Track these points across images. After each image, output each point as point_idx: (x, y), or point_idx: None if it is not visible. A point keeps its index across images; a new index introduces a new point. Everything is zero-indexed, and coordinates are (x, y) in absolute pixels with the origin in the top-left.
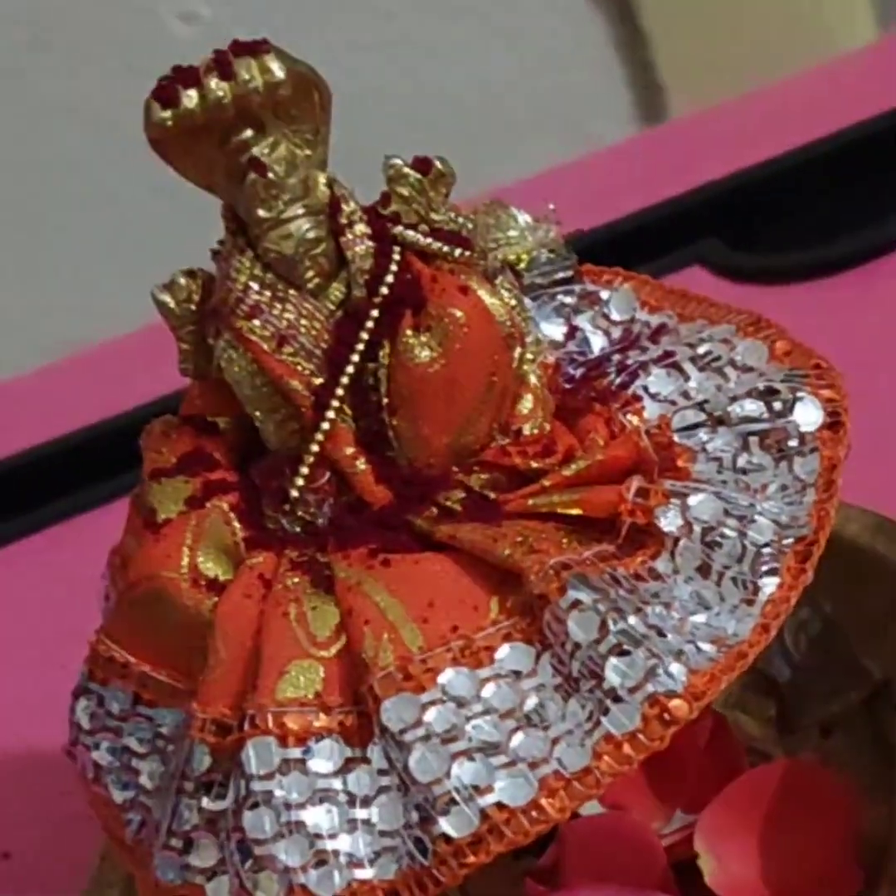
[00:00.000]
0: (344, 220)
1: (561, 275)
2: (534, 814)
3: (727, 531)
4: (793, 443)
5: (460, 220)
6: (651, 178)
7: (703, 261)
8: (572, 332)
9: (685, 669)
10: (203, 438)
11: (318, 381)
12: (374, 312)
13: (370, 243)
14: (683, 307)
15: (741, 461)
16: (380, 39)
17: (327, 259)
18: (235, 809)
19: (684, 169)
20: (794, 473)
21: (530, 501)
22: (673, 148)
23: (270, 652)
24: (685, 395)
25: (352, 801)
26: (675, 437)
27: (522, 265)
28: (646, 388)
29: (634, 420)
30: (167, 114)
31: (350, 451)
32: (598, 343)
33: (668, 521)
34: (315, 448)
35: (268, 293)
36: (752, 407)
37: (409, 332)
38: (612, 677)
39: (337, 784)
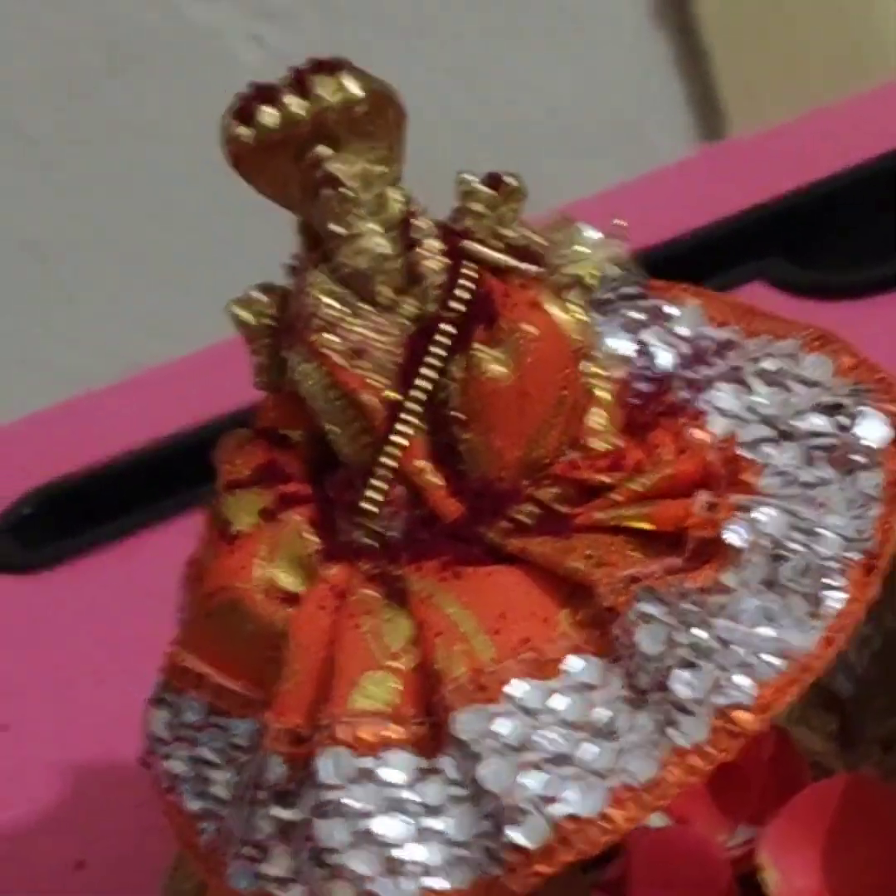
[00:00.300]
0: (417, 236)
1: (629, 291)
2: (603, 824)
3: (793, 545)
4: (858, 457)
5: (531, 235)
6: (714, 196)
7: (765, 277)
8: (640, 347)
9: (752, 682)
10: (277, 451)
11: (391, 394)
12: (447, 327)
13: (443, 259)
14: (749, 322)
15: (807, 475)
16: (448, 61)
17: (400, 274)
18: (308, 819)
19: (747, 186)
20: (859, 487)
21: (599, 515)
22: (736, 166)
23: (344, 663)
24: (751, 409)
25: (423, 810)
26: (742, 452)
27: (592, 281)
28: (713, 403)
29: (701, 434)
30: (246, 130)
31: (422, 464)
32: (665, 358)
33: (735, 535)
34: (388, 461)
35: (342, 308)
36: (817, 421)
37: (481, 347)
38: (679, 689)
39: (409, 794)
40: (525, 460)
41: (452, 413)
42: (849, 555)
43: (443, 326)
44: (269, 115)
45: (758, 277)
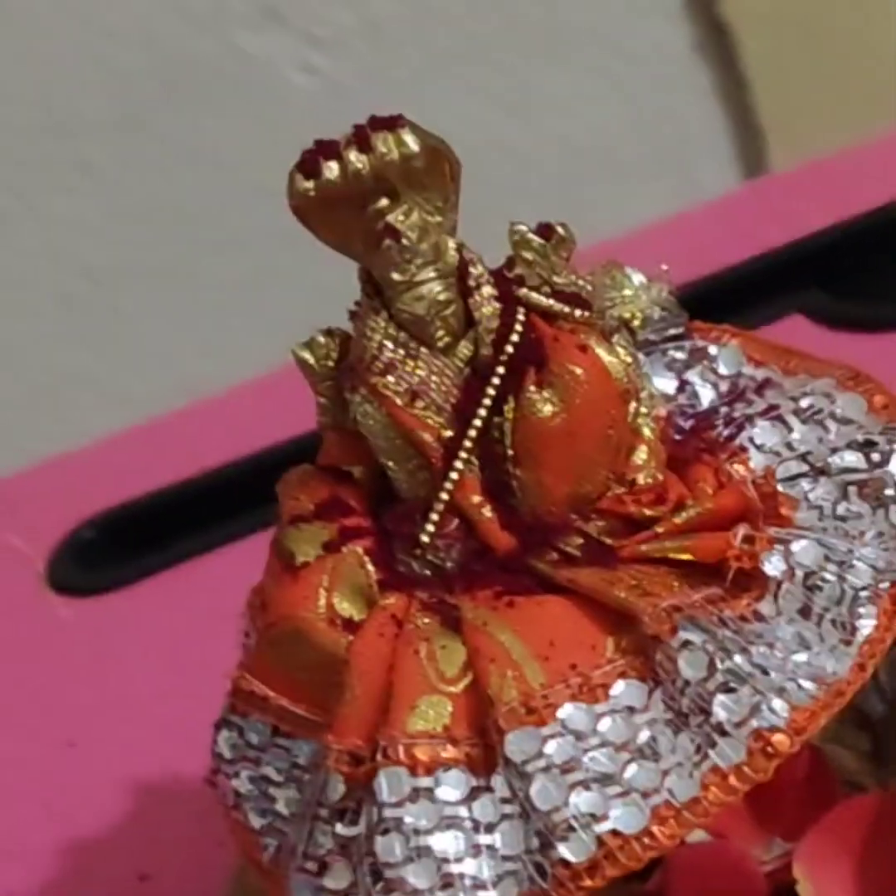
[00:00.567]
0: (472, 283)
1: (673, 331)
2: (646, 840)
3: (827, 575)
4: (889, 491)
5: (580, 282)
6: (755, 230)
7: (803, 310)
8: (683, 385)
9: (787, 706)
10: (339, 486)
11: (448, 433)
12: (500, 369)
13: (496, 304)
14: (787, 362)
15: (841, 509)
16: (493, 89)
17: (456, 319)
18: (367, 835)
19: (787, 220)
20: (890, 521)
21: (644, 547)
22: (777, 199)
23: (401, 687)
24: (789, 446)
25: (476, 827)
26: (779, 487)
27: (637, 323)
28: (752, 440)
29: (741, 470)
30: (310, 184)
31: (477, 499)
32: (707, 396)
33: (773, 566)
34: (444, 496)
35: (401, 351)
36: (851, 458)
37: (532, 388)
38: (719, 713)
39: (463, 811)
40: (573, 495)
41: (505, 451)
42: (880, 585)
43: (496, 369)
44: (331, 170)
45: (796, 310)
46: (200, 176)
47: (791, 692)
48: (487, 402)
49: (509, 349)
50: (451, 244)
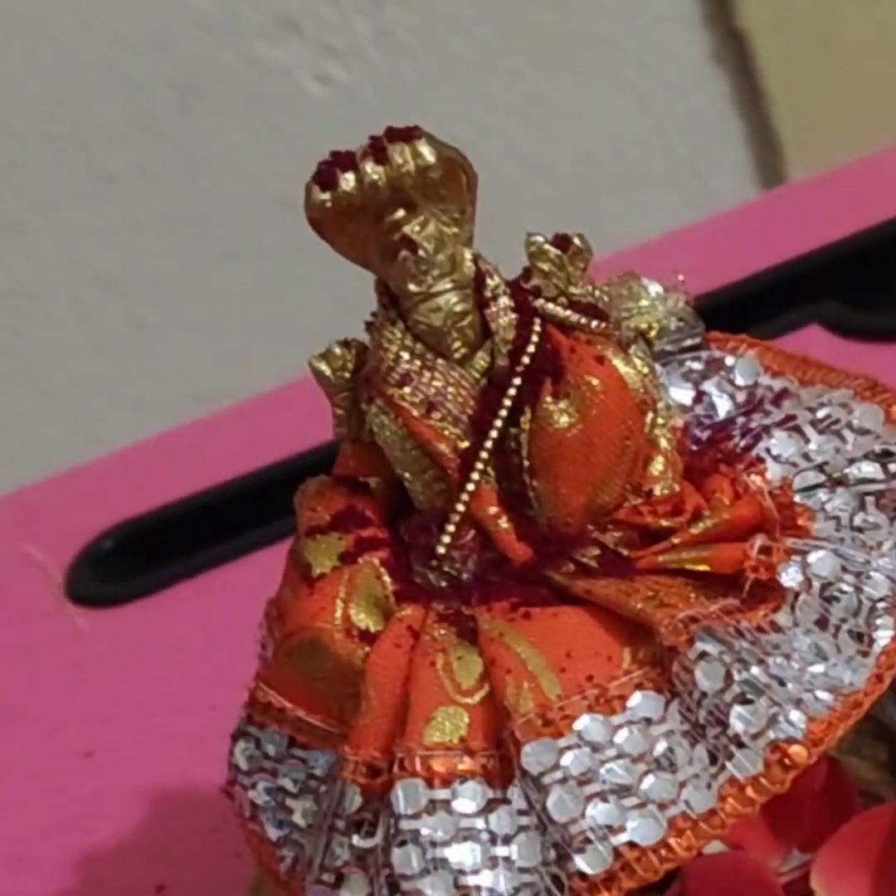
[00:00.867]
0: (488, 294)
1: (689, 342)
2: (663, 852)
3: (844, 586)
4: None
5: (596, 293)
6: (772, 240)
7: (820, 320)
8: (700, 396)
9: (804, 717)
10: (355, 497)
11: (464, 444)
12: (517, 381)
13: (513, 316)
14: (804, 372)
15: (858, 520)
16: (510, 99)
17: (473, 330)
18: (384, 846)
19: (804, 231)
20: None
21: (660, 558)
22: (794, 209)
23: (418, 699)
24: (806, 456)
25: (493, 839)
26: (796, 498)
27: (653, 334)
28: (768, 451)
29: (758, 481)
30: (326, 195)
31: (493, 510)
32: (723, 407)
33: (790, 577)
34: (461, 508)
35: (417, 362)
36: (868, 468)
37: (548, 399)
38: (736, 724)
39: (480, 823)
40: (590, 506)
41: (521, 462)
42: None
43: (513, 380)
44: (348, 182)
45: (813, 320)
46: (217, 186)
47: (808, 703)
48: (504, 413)
49: (526, 360)
50: (468, 255)
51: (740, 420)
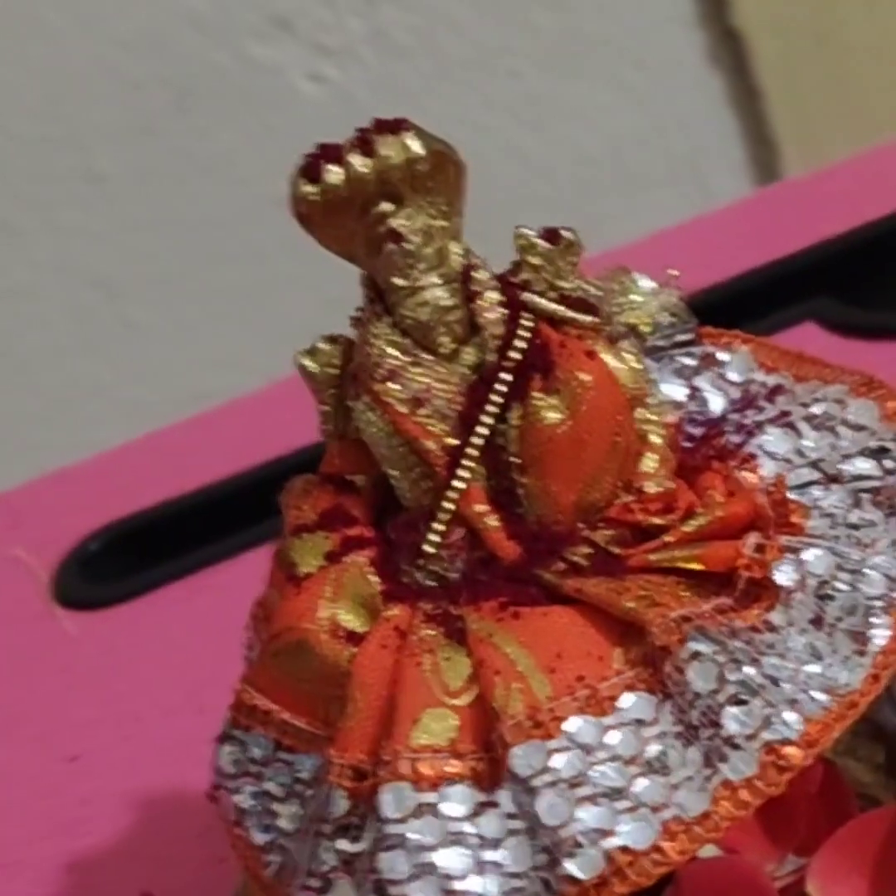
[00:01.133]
0: (477, 288)
1: (682, 337)
2: (655, 856)
3: (840, 585)
4: None
5: (587, 287)
6: (767, 237)
7: (816, 317)
8: (692, 392)
9: (800, 718)
10: (342, 496)
11: (452, 441)
12: (505, 376)
13: (502, 310)
14: (798, 368)
15: (853, 517)
16: (506, 98)
17: (461, 325)
18: (371, 851)
19: (800, 227)
20: None
21: (652, 556)
22: (789, 207)
23: (405, 700)
24: (800, 453)
25: (482, 843)
26: (791, 495)
27: (645, 329)
28: (762, 447)
29: (751, 478)
30: (312, 188)
31: (482, 508)
32: (717, 403)
33: (784, 575)
34: (449, 505)
35: (404, 358)
36: (863, 465)
37: (538, 395)
38: (730, 725)
39: (468, 827)
40: (580, 504)
41: (510, 459)
42: (894, 594)
43: (501, 375)
44: (334, 174)
45: (809, 318)
46: (211, 186)
47: (803, 704)
48: (492, 409)
49: (515, 355)
50: (456, 249)
51: (734, 416)
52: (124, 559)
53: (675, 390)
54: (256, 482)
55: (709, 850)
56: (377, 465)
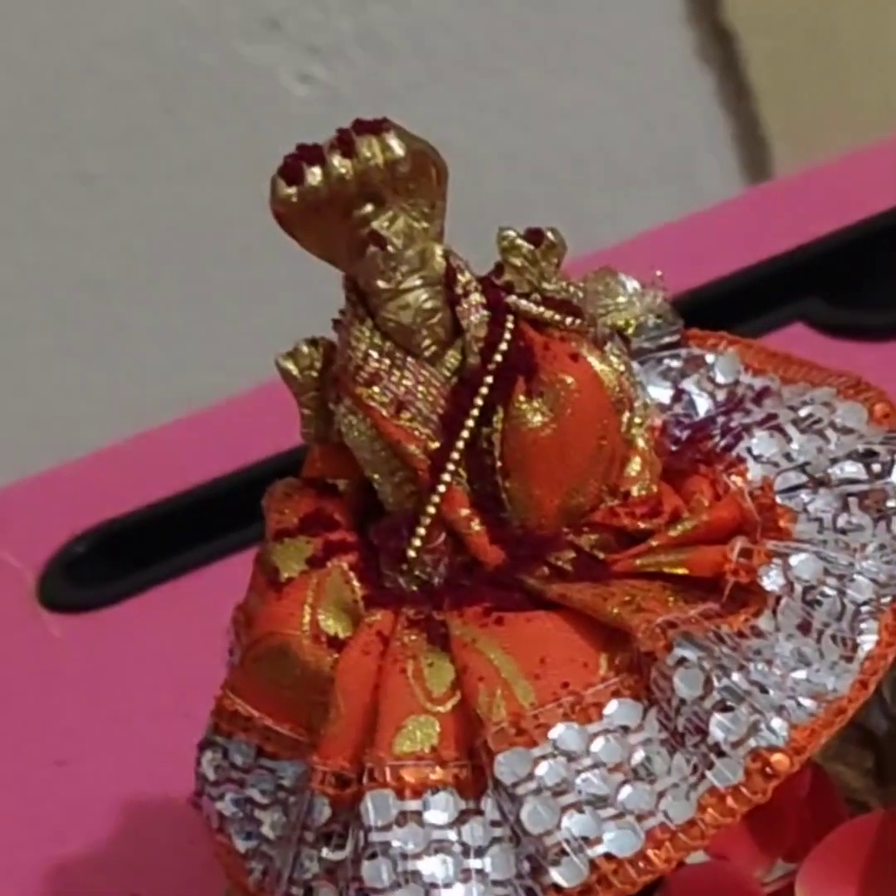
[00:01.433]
0: (459, 290)
1: (668, 339)
2: (641, 864)
3: (827, 590)
4: (891, 503)
5: (571, 288)
6: (757, 236)
7: (805, 318)
8: (679, 394)
9: (787, 725)
10: (324, 500)
11: (435, 445)
12: (488, 379)
13: (484, 312)
14: (786, 370)
15: (841, 521)
16: (495, 97)
17: (443, 328)
18: (354, 859)
19: (789, 227)
20: (892, 533)
21: (638, 561)
22: (778, 206)
23: (388, 707)
24: (787, 456)
25: (466, 851)
26: (778, 499)
27: (631, 330)
28: (749, 450)
29: (738, 481)
30: (292, 190)
31: (465, 512)
32: (703, 405)
33: (771, 581)
34: (431, 510)
35: (386, 361)
36: (851, 468)
37: (521, 398)
38: (716, 732)
39: (452, 835)
40: (564, 508)
41: (494, 462)
42: (882, 599)
43: (484, 378)
44: (315, 176)
45: (797, 319)
46: (200, 187)
47: (790, 710)
48: (475, 412)
49: (498, 358)
50: (438, 251)
51: (720, 419)
52: (110, 562)
53: (661, 392)
54: (244, 485)
55: (697, 856)
56: (359, 469)
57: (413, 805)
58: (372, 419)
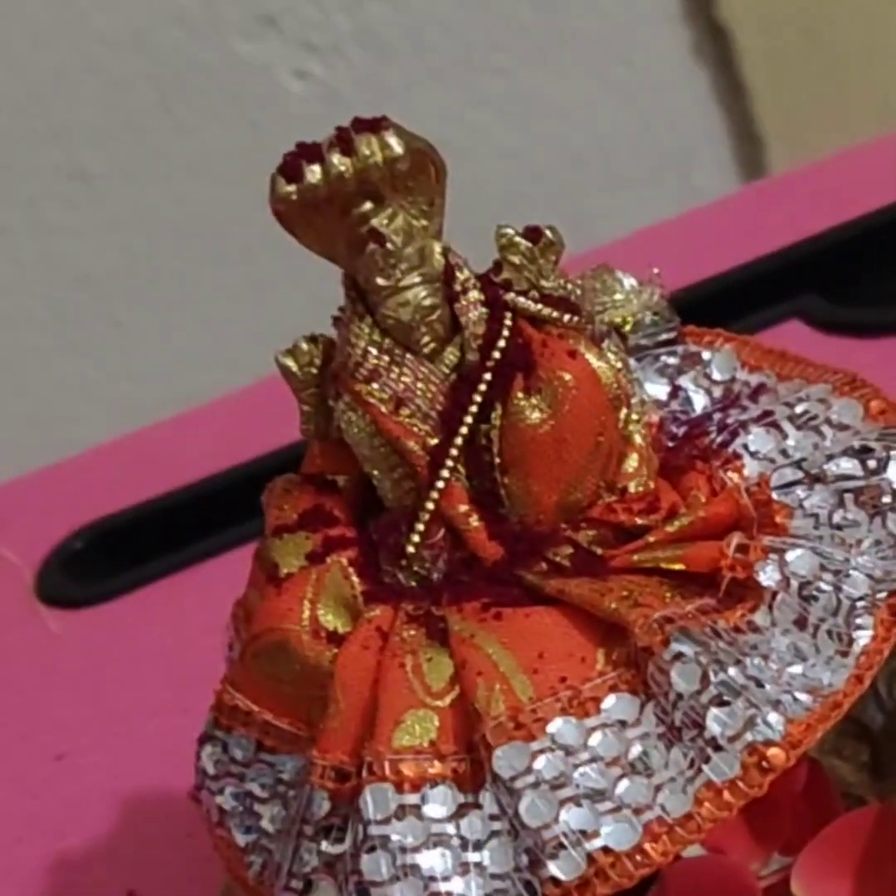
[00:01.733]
0: (458, 288)
1: (665, 336)
2: (638, 858)
3: (823, 585)
4: (886, 499)
5: (569, 286)
6: (753, 233)
7: (802, 315)
8: (675, 391)
9: (783, 719)
10: (323, 496)
11: (434, 441)
12: (487, 376)
13: (483, 309)
14: (782, 367)
15: (837, 517)
16: (492, 96)
17: (442, 325)
18: (353, 853)
19: (785, 224)
20: (888, 529)
21: (635, 557)
22: (774, 203)
23: (387, 701)
24: (783, 453)
25: (464, 845)
26: (774, 495)
27: (628, 327)
28: (746, 447)
29: (735, 477)
30: (291, 188)
31: (464, 508)
32: (700, 402)
33: (767, 576)
34: (430, 506)
35: (386, 358)
36: (847, 465)
37: (520, 395)
38: (712, 727)
39: (450, 828)
40: (562, 504)
41: (492, 459)
42: (877, 594)
43: (483, 375)
44: (314, 174)
45: (794, 315)
46: (197, 184)
47: (786, 705)
48: (474, 409)
49: (496, 355)
50: (437, 248)
51: (717, 416)
52: (108, 558)
53: (658, 389)
54: (242, 480)
55: (694, 850)
56: (359, 465)
57: (412, 799)
58: (371, 416)
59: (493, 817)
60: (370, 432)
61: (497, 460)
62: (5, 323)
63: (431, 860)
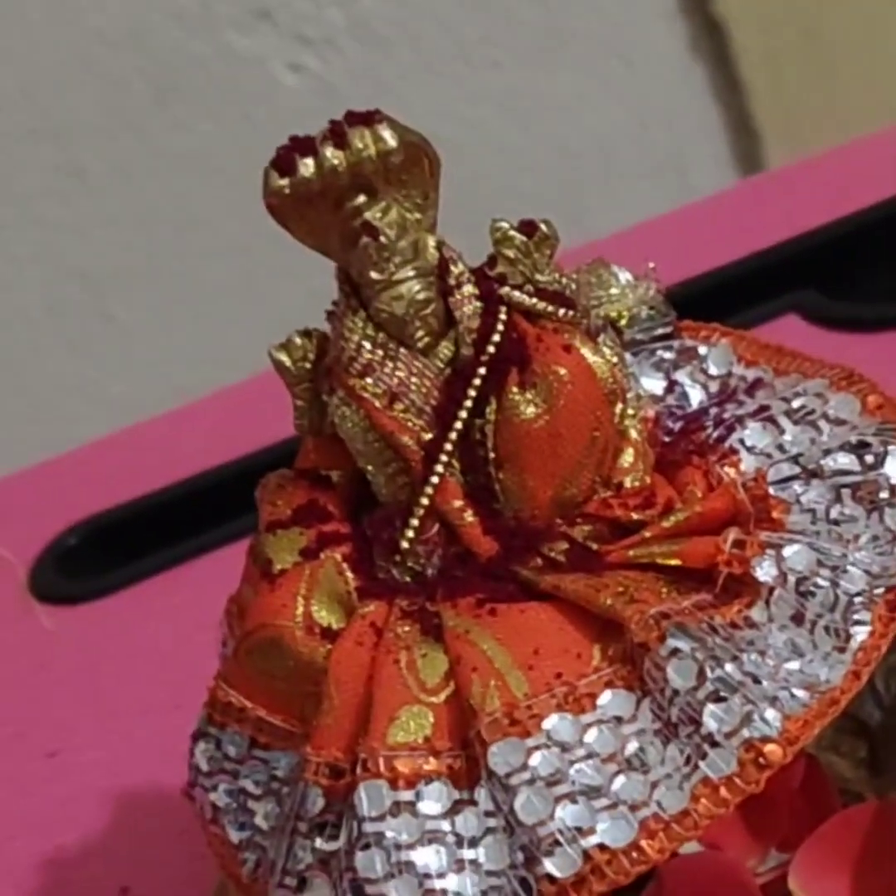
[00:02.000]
0: (452, 282)
1: (661, 331)
2: (634, 855)
3: (820, 581)
4: (884, 494)
5: (564, 280)
6: (749, 228)
7: (799, 310)
8: (671, 386)
9: (780, 715)
10: (317, 491)
11: (428, 436)
12: (482, 370)
13: (478, 304)
14: (778, 362)
15: (834, 512)
16: (488, 90)
17: (437, 319)
18: (348, 850)
19: (782, 219)
20: (885, 524)
21: (631, 552)
22: (771, 198)
23: (381, 698)
24: (780, 448)
25: (459, 841)
26: (771, 490)
27: (623, 322)
28: (742, 442)
29: (731, 472)
30: (284, 181)
31: (458, 503)
32: (696, 397)
33: (764, 571)
34: (425, 501)
35: (380, 352)
36: (844, 460)
37: (514, 389)
38: (709, 723)
39: (445, 825)
40: (558, 499)
41: (487, 454)
42: (875, 590)
43: (478, 369)
44: (307, 167)
45: (791, 310)
46: (192, 179)
47: (783, 701)
48: (469, 403)
49: (491, 349)
50: (431, 242)
51: (713, 410)
52: (102, 554)
53: (654, 384)
54: (236, 476)
55: (691, 846)
56: (353, 461)
57: (406, 795)
58: (365, 410)
59: (488, 814)
60: (364, 427)
61: (492, 455)
62: (1, 318)
63: (426, 857)
